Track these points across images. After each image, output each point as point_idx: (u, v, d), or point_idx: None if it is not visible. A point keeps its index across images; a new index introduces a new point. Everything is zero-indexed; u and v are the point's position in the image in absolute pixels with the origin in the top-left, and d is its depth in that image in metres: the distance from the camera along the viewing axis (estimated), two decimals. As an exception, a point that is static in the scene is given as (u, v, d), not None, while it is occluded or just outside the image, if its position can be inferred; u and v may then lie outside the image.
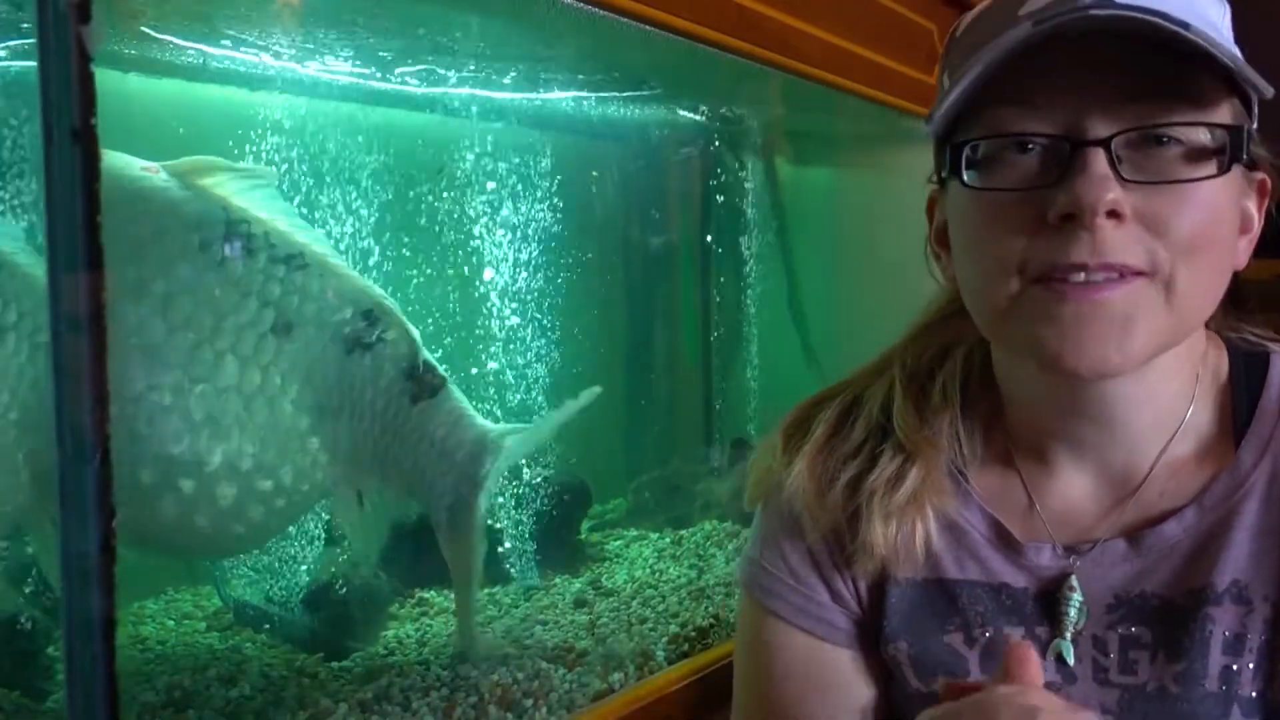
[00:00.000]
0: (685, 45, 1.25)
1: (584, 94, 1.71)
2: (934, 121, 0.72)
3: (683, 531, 1.91)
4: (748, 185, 2.08)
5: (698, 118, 2.00)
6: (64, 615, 0.66)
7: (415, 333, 1.29)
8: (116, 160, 1.11)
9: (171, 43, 1.26)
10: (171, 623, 1.46)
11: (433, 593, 1.58)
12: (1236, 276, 0.78)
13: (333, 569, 1.44)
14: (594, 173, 1.81)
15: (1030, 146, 0.69)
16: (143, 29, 1.20)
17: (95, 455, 0.64)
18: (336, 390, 1.23)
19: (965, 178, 0.72)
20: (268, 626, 1.41)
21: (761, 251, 2.10)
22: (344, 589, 1.41)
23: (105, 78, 0.61)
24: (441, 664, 1.24)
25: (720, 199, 2.10)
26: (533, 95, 1.65)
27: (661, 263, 2.11)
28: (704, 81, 1.73)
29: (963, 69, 0.68)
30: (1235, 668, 0.74)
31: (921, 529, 0.80)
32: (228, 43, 1.25)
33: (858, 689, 0.85)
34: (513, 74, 1.54)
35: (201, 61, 1.30)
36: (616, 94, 1.76)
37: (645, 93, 1.72)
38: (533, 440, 1.40)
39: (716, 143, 2.07)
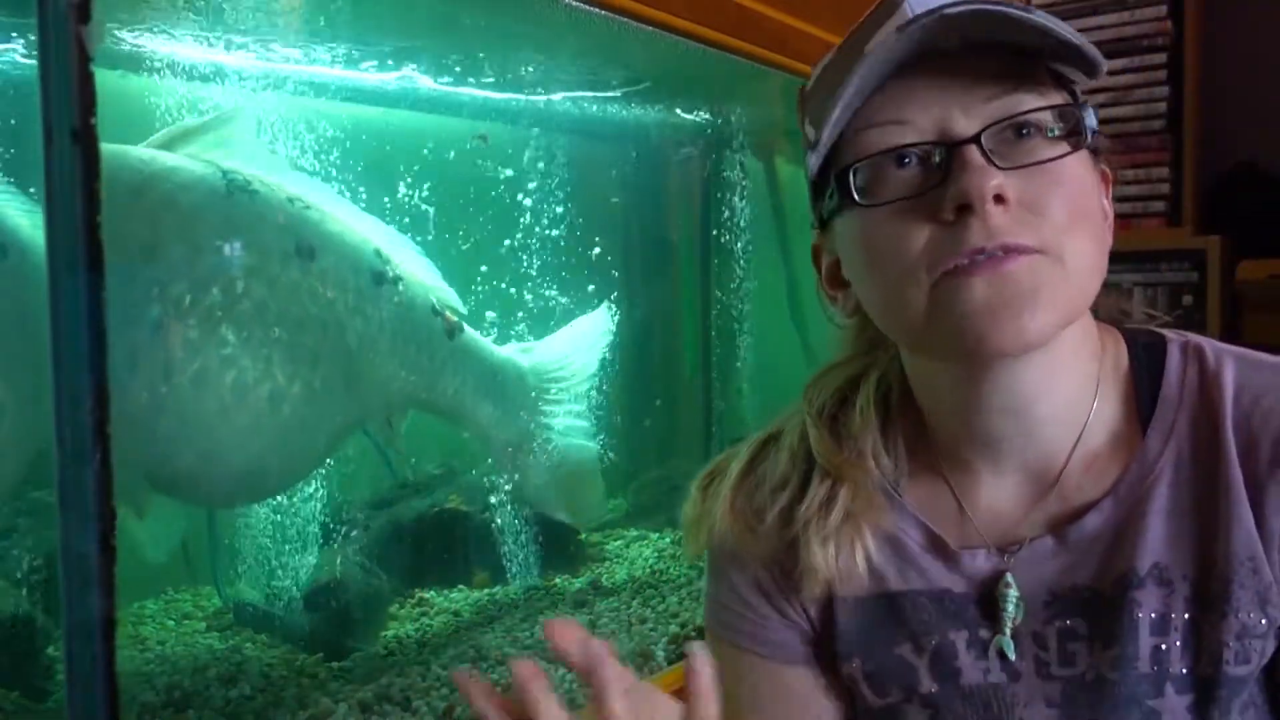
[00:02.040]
0: (684, 45, 1.25)
1: (581, 94, 1.71)
2: (810, 169, 0.79)
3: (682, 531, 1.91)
4: (747, 185, 2.08)
5: (697, 118, 2.00)
6: (64, 615, 0.66)
7: (432, 269, 1.36)
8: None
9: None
10: (171, 623, 1.46)
11: (433, 593, 1.58)
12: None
13: (333, 569, 1.44)
14: (593, 173, 1.81)
15: (908, 159, 0.74)
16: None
17: (95, 455, 0.64)
18: (371, 317, 1.27)
19: (857, 198, 0.76)
20: (268, 627, 1.41)
21: (762, 251, 2.10)
22: (343, 589, 1.41)
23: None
24: (441, 664, 1.24)
25: (720, 199, 2.10)
26: (529, 96, 1.65)
27: (661, 262, 2.11)
28: (703, 81, 1.73)
29: (828, 104, 0.74)
30: (1164, 647, 0.77)
31: (861, 547, 0.82)
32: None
33: (825, 708, 0.87)
34: (508, 73, 1.54)
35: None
36: (615, 94, 1.75)
37: (641, 89, 1.72)
38: (550, 352, 1.53)
39: (717, 143, 2.07)
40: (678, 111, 1.96)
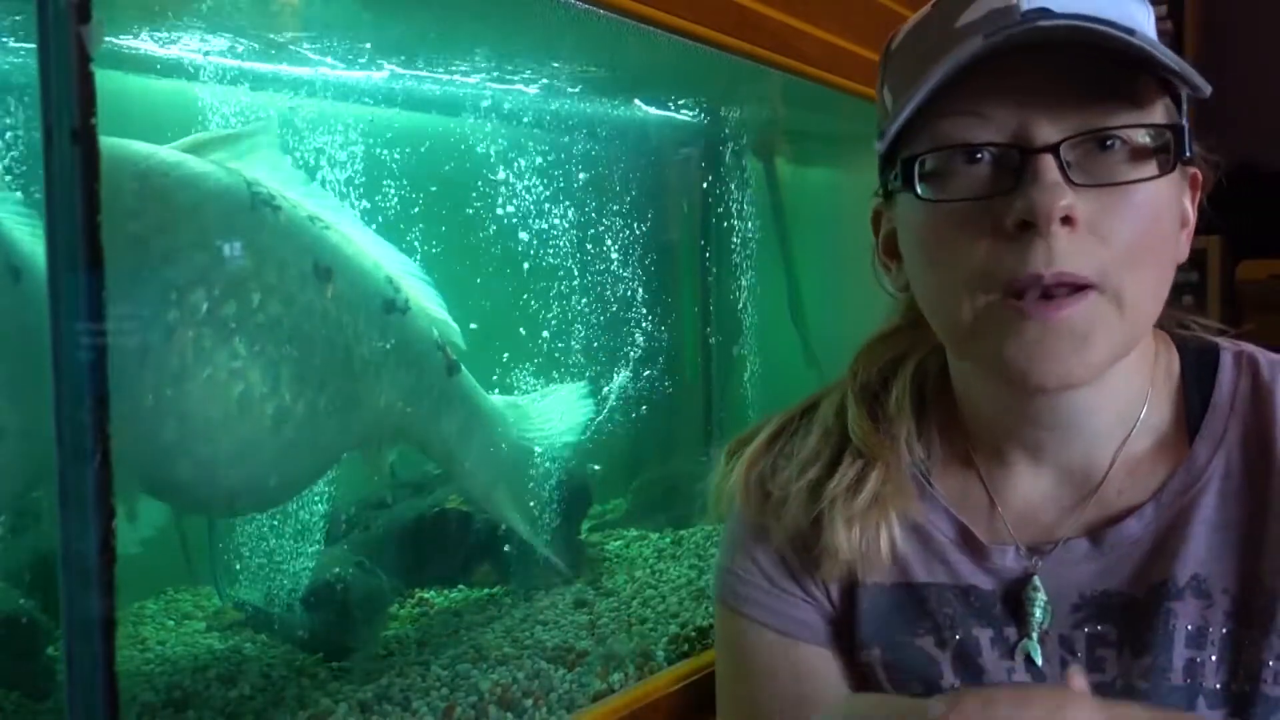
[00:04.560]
0: (684, 44, 1.25)
1: (581, 92, 1.71)
2: (881, 142, 0.74)
3: (683, 531, 1.91)
4: (747, 185, 2.08)
5: (698, 118, 2.00)
6: (64, 615, 0.66)
7: (438, 303, 1.36)
8: (123, 147, 1.11)
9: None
10: (171, 623, 1.46)
11: (432, 593, 1.58)
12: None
13: (334, 569, 1.44)
14: (591, 172, 1.81)
15: (980, 156, 0.71)
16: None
17: (95, 455, 0.64)
18: (379, 345, 1.27)
19: (919, 191, 0.73)
20: (269, 627, 1.41)
21: (761, 251, 2.10)
22: (343, 589, 1.41)
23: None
24: (442, 664, 1.24)
25: (720, 199, 2.10)
26: (523, 91, 1.65)
27: (660, 262, 2.11)
28: (703, 81, 1.73)
29: (912, 83, 0.70)
30: (1199, 660, 0.75)
31: (886, 533, 0.81)
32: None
33: (838, 693, 0.85)
34: (506, 72, 1.54)
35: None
36: (613, 93, 1.75)
37: (618, 81, 1.71)
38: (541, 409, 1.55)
39: (716, 143, 2.07)
40: (677, 111, 1.96)
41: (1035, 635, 0.78)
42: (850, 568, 0.82)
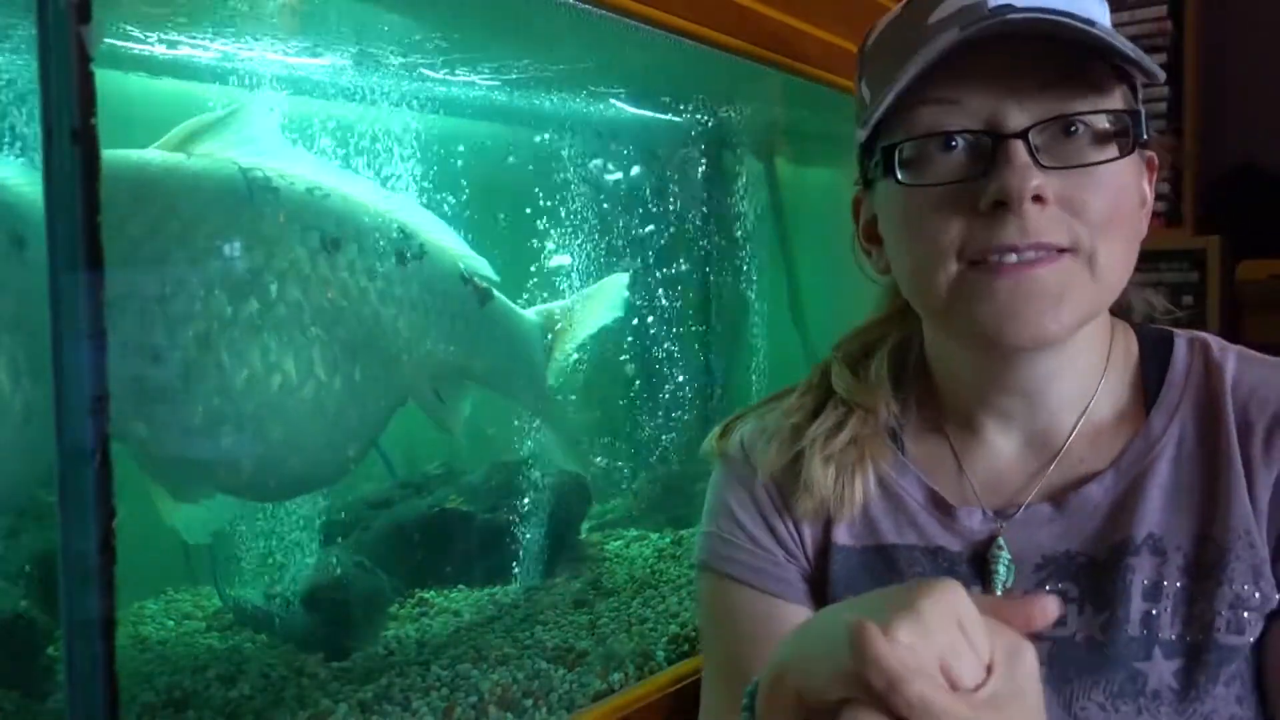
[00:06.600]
0: (683, 44, 1.25)
1: (579, 93, 1.71)
2: (860, 132, 0.80)
3: (683, 531, 1.91)
4: (747, 186, 2.08)
5: (697, 118, 2.00)
6: (64, 615, 0.66)
7: (456, 239, 1.39)
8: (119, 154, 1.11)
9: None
10: (171, 623, 1.46)
11: (432, 593, 1.58)
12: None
13: (334, 569, 1.44)
14: (591, 172, 1.81)
15: (955, 143, 0.76)
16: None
17: (95, 455, 0.65)
18: (402, 298, 1.30)
19: (899, 176, 0.78)
20: (270, 627, 1.41)
21: (762, 251, 2.10)
22: (343, 589, 1.41)
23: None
24: (442, 664, 1.24)
25: (720, 199, 2.10)
26: (524, 91, 1.65)
27: (659, 263, 2.12)
28: (702, 81, 1.73)
29: (890, 76, 0.76)
30: (1155, 612, 0.80)
31: (860, 481, 0.87)
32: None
33: None
34: (503, 71, 1.54)
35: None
36: (613, 94, 1.75)
37: (615, 81, 1.71)
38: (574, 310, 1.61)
39: (716, 143, 2.07)
40: (677, 112, 1.96)
41: (1000, 592, 0.83)
42: (825, 507, 0.87)
